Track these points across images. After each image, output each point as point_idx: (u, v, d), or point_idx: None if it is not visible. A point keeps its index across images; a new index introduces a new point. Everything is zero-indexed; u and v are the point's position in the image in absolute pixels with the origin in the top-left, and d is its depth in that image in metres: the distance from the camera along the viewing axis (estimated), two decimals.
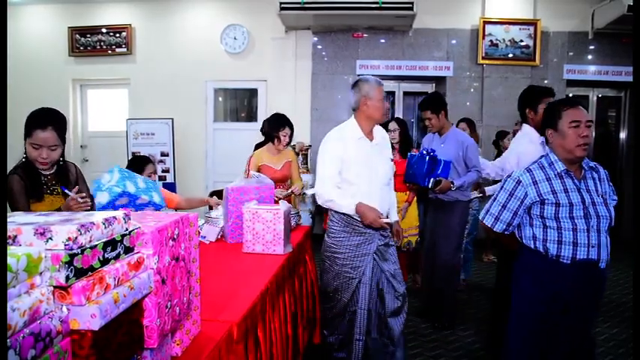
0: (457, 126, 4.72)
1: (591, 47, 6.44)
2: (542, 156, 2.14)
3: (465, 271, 4.57)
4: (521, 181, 2.05)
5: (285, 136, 3.67)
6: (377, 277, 2.68)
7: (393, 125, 4.19)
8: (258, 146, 4.44)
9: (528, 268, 2.10)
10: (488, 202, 2.20)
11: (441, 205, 3.64)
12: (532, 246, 2.07)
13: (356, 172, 2.57)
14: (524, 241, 2.11)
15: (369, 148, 2.63)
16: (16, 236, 0.91)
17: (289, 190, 3.65)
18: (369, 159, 2.61)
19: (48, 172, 2.27)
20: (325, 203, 2.62)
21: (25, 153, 2.22)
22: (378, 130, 2.73)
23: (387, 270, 2.69)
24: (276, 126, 3.67)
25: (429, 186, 3.49)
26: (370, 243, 2.64)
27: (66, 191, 2.18)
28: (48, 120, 2.17)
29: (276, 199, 3.38)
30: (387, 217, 2.64)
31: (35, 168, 2.23)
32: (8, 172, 2.20)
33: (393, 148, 3.93)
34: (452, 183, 3.48)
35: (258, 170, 3.61)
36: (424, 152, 3.52)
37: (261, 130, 4.35)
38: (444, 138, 3.67)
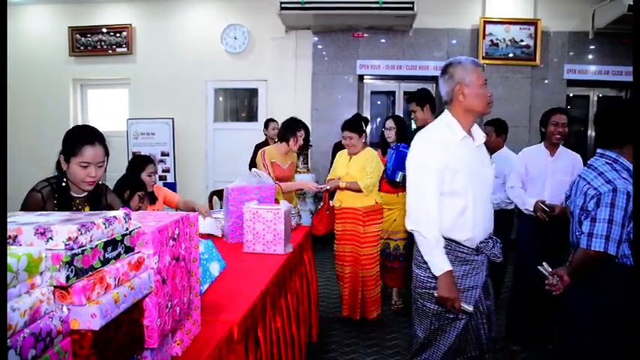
0: None
1: (592, 47, 6.44)
2: (610, 162, 1.99)
3: None
4: (630, 194, 1.85)
5: (301, 136, 3.69)
6: (476, 317, 2.10)
7: (389, 123, 4.13)
8: (258, 146, 4.44)
9: (620, 287, 1.91)
10: (596, 226, 1.87)
11: None
12: (628, 262, 1.91)
13: (463, 183, 1.97)
14: (619, 260, 1.91)
15: (473, 150, 2.07)
16: (16, 236, 0.91)
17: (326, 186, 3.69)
18: (474, 165, 2.04)
19: (80, 195, 2.11)
20: (418, 237, 1.99)
21: (63, 176, 2.04)
22: (477, 128, 2.15)
23: (488, 306, 2.15)
24: (294, 128, 3.67)
25: (398, 180, 3.55)
26: (477, 273, 2.05)
27: None
28: (94, 135, 2.02)
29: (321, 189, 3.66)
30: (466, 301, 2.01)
31: (68, 192, 2.06)
32: (34, 186, 2.03)
33: (388, 146, 3.96)
34: None
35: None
36: (394, 147, 3.68)
37: (264, 131, 4.37)
38: None
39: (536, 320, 3.21)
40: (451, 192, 1.97)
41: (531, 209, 3.11)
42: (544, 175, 3.21)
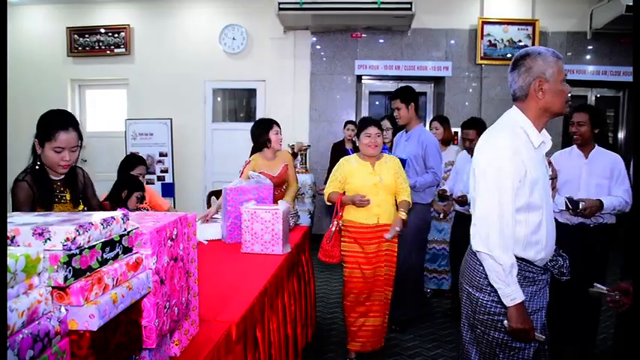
0: (430, 124, 4.61)
1: (589, 47, 6.45)
2: None
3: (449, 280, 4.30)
4: None
5: (276, 133, 3.47)
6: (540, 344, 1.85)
7: (386, 123, 4.04)
8: (254, 148, 4.40)
9: None
10: None
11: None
12: None
13: (540, 195, 1.72)
14: None
15: (544, 156, 1.81)
16: (14, 237, 0.91)
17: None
18: (545, 173, 1.79)
19: (58, 178, 2.19)
20: (487, 261, 1.68)
21: (37, 159, 2.12)
22: (545, 131, 1.84)
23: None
24: (265, 128, 3.47)
25: None
26: (543, 294, 1.82)
27: None
28: (69, 121, 2.09)
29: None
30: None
31: (47, 175, 2.14)
32: (16, 177, 2.11)
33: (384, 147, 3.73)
34: None
35: None
36: None
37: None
38: (409, 135, 3.61)
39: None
40: (528, 206, 1.70)
41: (563, 207, 2.77)
42: (578, 179, 2.88)
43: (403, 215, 2.96)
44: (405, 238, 3.41)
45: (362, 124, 3.07)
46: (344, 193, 3.05)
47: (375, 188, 2.97)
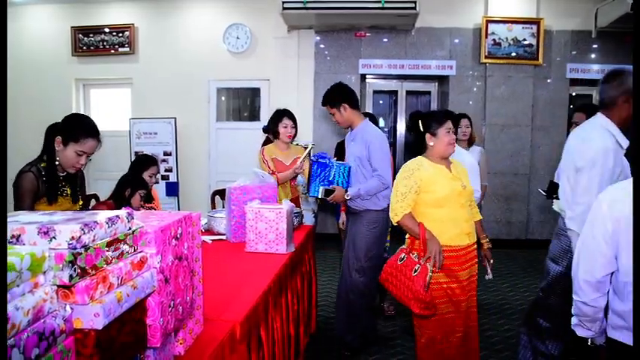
0: (459, 122, 4.23)
1: (594, 46, 6.42)
2: None
3: None
4: None
5: (285, 126, 3.61)
6: None
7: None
8: (264, 145, 4.44)
9: None
10: None
11: (351, 215, 3.19)
12: None
13: None
14: None
15: None
16: (19, 235, 0.92)
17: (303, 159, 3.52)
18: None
19: (61, 174, 2.32)
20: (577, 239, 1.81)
21: (54, 154, 2.22)
22: None
23: None
24: (275, 120, 3.65)
25: (319, 196, 2.99)
26: None
27: None
28: (97, 129, 2.25)
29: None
30: None
31: (55, 170, 2.25)
32: (22, 169, 2.21)
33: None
34: (346, 191, 3.01)
35: None
36: (314, 157, 3.09)
37: (263, 128, 4.37)
38: (354, 134, 3.18)
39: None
40: None
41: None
42: None
43: (489, 244, 2.55)
44: (353, 251, 3.07)
45: (438, 117, 2.43)
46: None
47: (460, 198, 2.35)
